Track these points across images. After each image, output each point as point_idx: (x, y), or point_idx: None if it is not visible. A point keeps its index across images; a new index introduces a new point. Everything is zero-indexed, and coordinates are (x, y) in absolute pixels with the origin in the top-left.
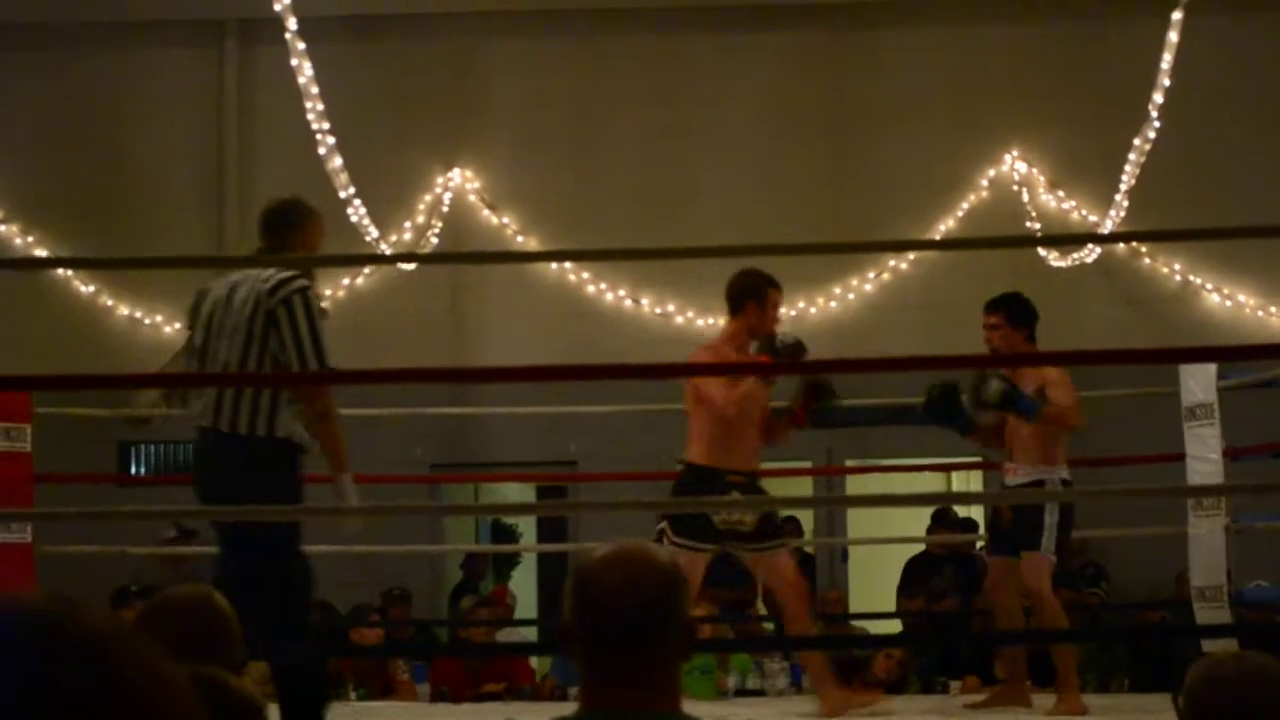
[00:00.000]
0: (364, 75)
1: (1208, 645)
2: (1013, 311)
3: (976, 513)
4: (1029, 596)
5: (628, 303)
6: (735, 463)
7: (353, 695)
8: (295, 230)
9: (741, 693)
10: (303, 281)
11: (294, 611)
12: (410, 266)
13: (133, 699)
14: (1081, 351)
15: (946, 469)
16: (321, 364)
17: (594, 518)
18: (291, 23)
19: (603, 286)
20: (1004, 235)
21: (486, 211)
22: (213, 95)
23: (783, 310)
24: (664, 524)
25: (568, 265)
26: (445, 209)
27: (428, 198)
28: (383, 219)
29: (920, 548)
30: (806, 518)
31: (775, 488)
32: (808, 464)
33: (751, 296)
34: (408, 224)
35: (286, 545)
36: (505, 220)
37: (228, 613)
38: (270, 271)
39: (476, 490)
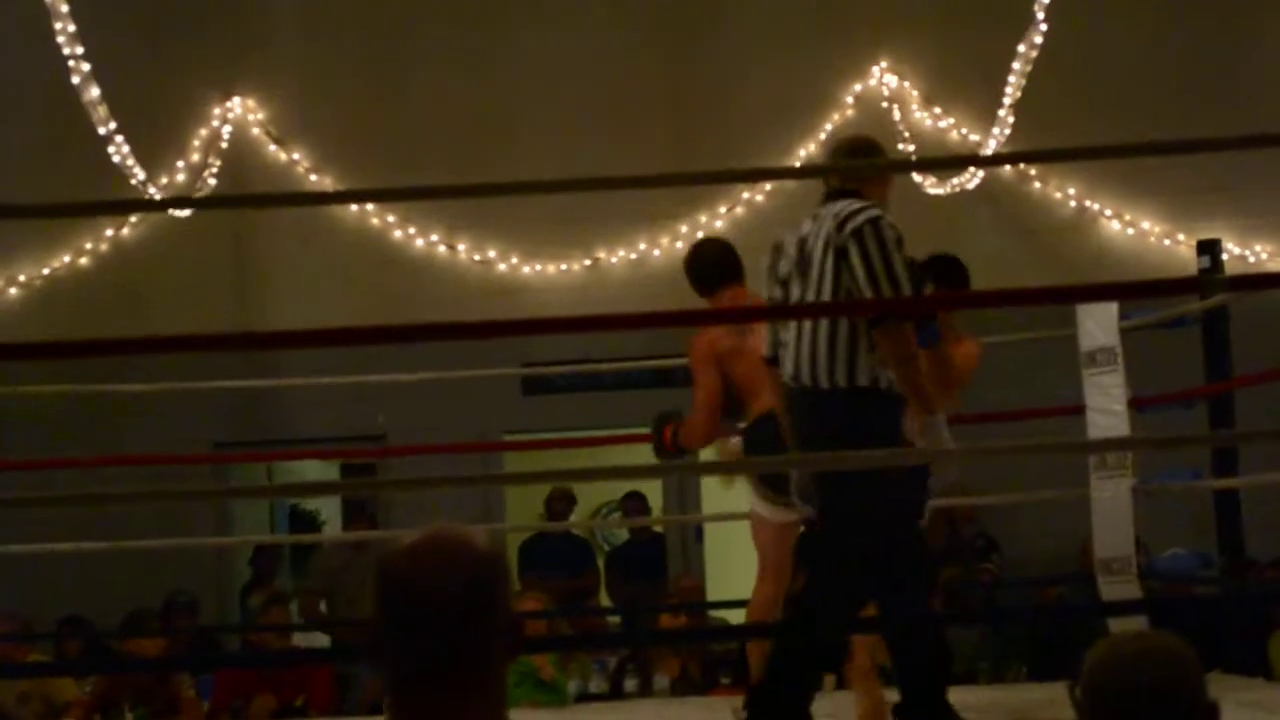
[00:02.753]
0: None
1: (1115, 625)
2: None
3: None
4: None
5: (441, 249)
6: None
7: (129, 716)
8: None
9: (586, 698)
10: (874, 211)
11: (918, 575)
12: (184, 213)
13: None
14: (964, 292)
15: None
16: (898, 298)
17: (407, 500)
18: None
19: (411, 231)
20: (870, 161)
21: (273, 146)
22: None
23: (622, 253)
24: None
25: (369, 207)
26: (224, 145)
27: (203, 132)
28: (151, 158)
29: None
30: (654, 492)
31: (618, 456)
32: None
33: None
34: (180, 163)
35: (900, 501)
36: (295, 156)
37: None
38: (840, 207)
39: (270, 471)
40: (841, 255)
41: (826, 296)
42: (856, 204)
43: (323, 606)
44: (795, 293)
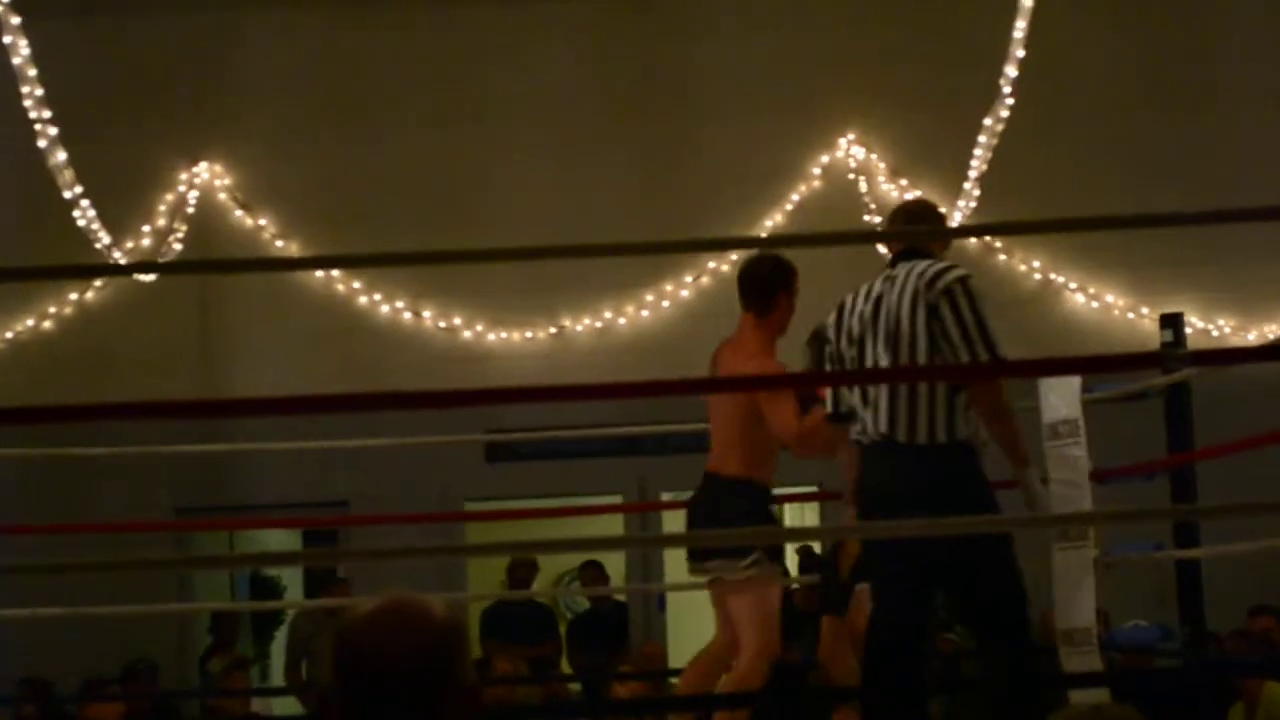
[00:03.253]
0: (92, 54)
1: (1076, 697)
2: None
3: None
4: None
5: (406, 316)
6: (771, 478)
7: None
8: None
9: None
10: (962, 270)
11: (1024, 628)
12: (150, 277)
13: None
14: (926, 366)
15: (779, 501)
16: (992, 355)
17: (369, 567)
18: None
19: (377, 298)
20: (839, 230)
21: (239, 212)
22: None
23: (588, 321)
24: (759, 553)
25: (335, 273)
26: (190, 210)
27: (169, 197)
28: (116, 222)
29: None
30: (617, 561)
31: (580, 527)
32: (618, 499)
33: (783, 288)
34: (146, 228)
35: (1009, 554)
36: (261, 222)
37: None
38: (924, 266)
39: (232, 539)
40: (933, 312)
41: (921, 353)
42: (940, 263)
43: (303, 672)
44: (878, 351)
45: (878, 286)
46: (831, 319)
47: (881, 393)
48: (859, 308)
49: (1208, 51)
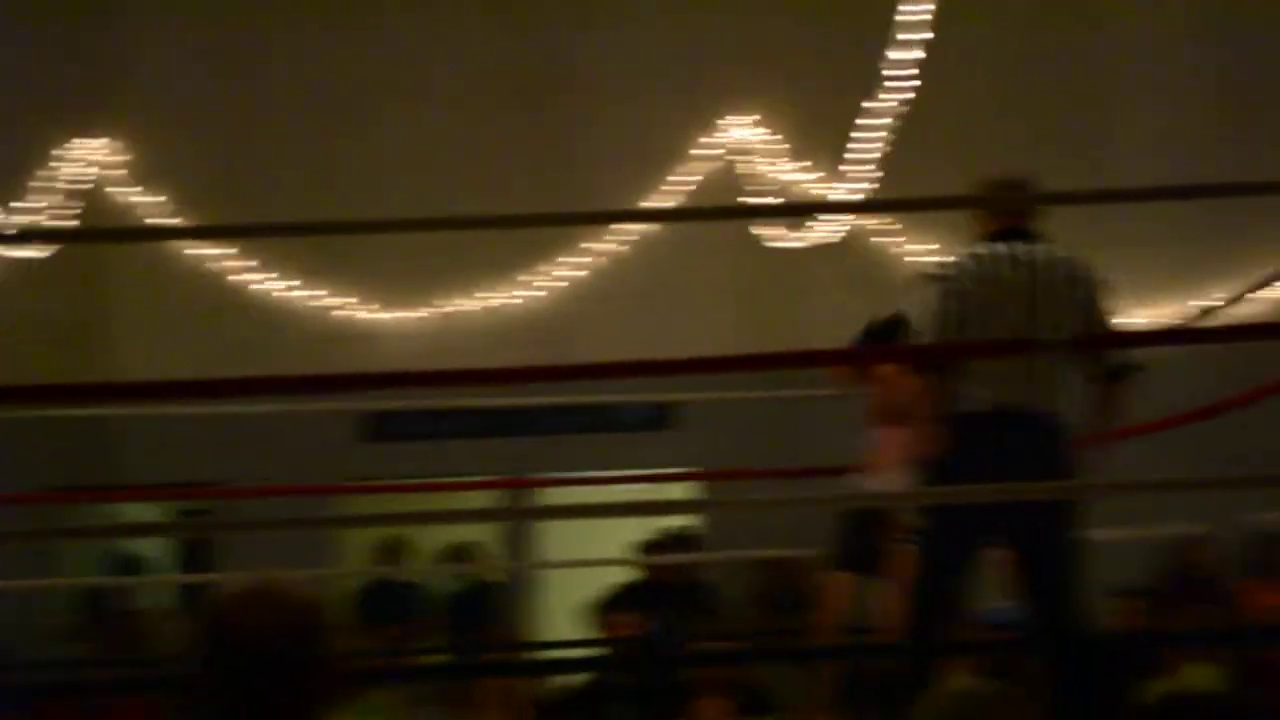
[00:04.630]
0: None
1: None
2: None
3: None
4: None
5: (296, 295)
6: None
7: None
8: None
9: None
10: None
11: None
12: (35, 253)
13: None
14: (815, 351)
15: (655, 479)
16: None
17: (242, 547)
18: None
19: (266, 277)
20: (726, 205)
21: (130, 189)
22: None
23: (474, 300)
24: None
25: (228, 251)
26: (81, 186)
27: (61, 172)
28: (6, 197)
29: (617, 579)
30: (491, 538)
31: (455, 503)
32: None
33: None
34: (35, 203)
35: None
36: (155, 199)
37: None
38: (1064, 252)
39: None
40: (1089, 302)
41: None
42: (1076, 254)
43: None
44: (1027, 318)
45: (1005, 259)
46: (945, 288)
47: (1038, 367)
48: (986, 277)
49: (1101, 38)
